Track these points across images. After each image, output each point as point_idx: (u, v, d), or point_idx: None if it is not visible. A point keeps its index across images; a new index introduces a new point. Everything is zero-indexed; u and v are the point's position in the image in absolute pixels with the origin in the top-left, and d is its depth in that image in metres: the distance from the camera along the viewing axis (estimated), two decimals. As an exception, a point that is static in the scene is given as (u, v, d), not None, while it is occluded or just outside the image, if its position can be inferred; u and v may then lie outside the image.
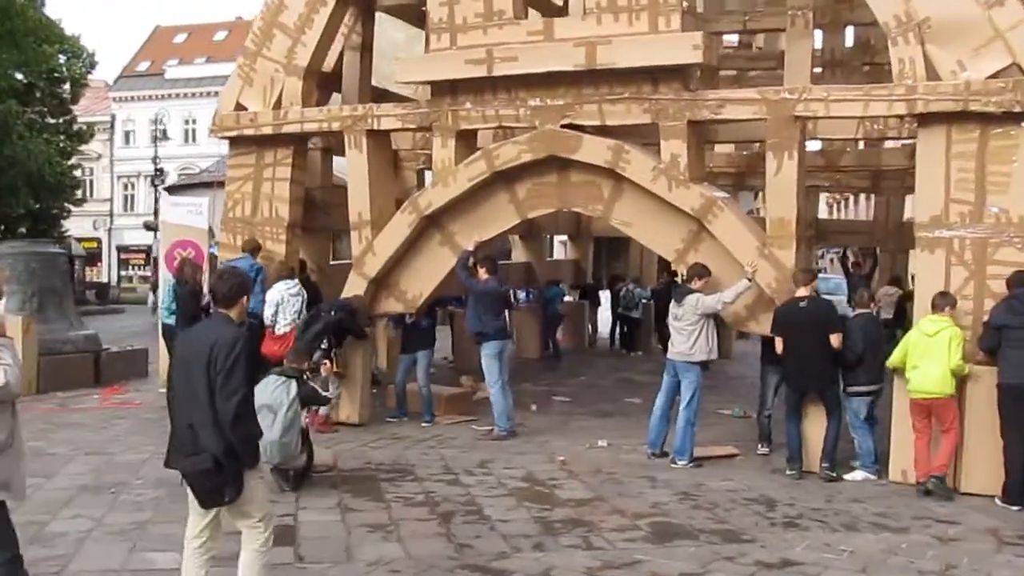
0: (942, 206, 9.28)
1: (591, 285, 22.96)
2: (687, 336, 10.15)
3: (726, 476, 9.74)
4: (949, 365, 8.88)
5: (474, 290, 11.52)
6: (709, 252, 10.40)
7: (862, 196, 42.48)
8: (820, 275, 14.13)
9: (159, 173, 45.42)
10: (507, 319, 11.79)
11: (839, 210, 53.30)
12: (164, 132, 49.66)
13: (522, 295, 20.07)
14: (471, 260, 11.48)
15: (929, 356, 9.01)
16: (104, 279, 54.56)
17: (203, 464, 5.14)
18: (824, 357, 9.63)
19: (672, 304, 10.44)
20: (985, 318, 9.05)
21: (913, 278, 16.94)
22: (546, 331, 19.74)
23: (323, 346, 11.27)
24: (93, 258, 55.99)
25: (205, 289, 13.82)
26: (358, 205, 12.04)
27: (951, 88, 9.08)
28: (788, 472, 9.78)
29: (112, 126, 59.85)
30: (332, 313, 11.47)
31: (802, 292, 9.71)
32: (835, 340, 9.58)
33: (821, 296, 10.33)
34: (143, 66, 61.57)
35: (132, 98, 59.42)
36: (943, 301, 9.08)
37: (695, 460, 10.17)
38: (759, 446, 10.85)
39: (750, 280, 9.96)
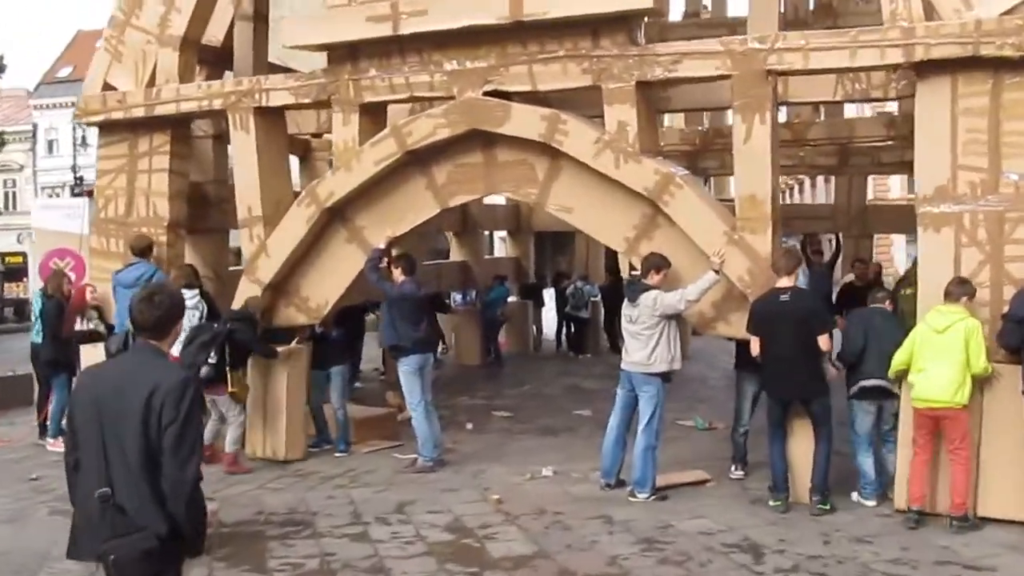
0: (949, 175, 7.63)
1: (535, 284, 21.37)
2: (644, 342, 8.39)
3: (697, 512, 8.02)
4: (971, 368, 7.23)
5: (388, 295, 9.67)
6: (667, 240, 8.64)
7: (808, 183, 41.53)
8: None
9: (79, 182, 43.10)
10: (427, 328, 9.94)
11: (787, 198, 52.18)
12: (83, 139, 47.28)
13: (458, 297, 18.35)
14: (384, 260, 9.67)
15: (938, 357, 7.36)
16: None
17: (146, 543, 3.79)
18: (810, 360, 7.94)
19: (625, 304, 8.65)
20: (1005, 309, 7.40)
21: (871, 263, 15.70)
22: (487, 335, 18.08)
23: (211, 361, 9.33)
24: (17, 273, 53.31)
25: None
26: (247, 198, 10.13)
27: (957, 29, 7.42)
28: (772, 503, 8.09)
29: (34, 135, 57.20)
30: (226, 324, 9.59)
31: (784, 282, 7.99)
32: (823, 342, 7.92)
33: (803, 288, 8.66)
34: (65, 72, 58.76)
35: (54, 105, 56.60)
36: (959, 290, 7.41)
37: (658, 491, 8.45)
38: (732, 468, 9.20)
39: (717, 272, 8.22)
